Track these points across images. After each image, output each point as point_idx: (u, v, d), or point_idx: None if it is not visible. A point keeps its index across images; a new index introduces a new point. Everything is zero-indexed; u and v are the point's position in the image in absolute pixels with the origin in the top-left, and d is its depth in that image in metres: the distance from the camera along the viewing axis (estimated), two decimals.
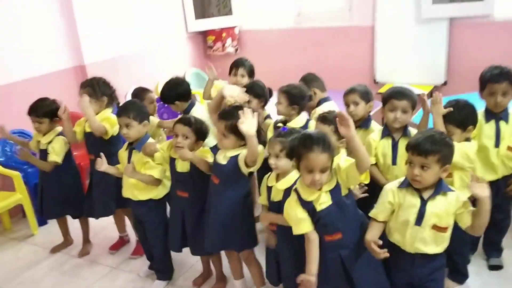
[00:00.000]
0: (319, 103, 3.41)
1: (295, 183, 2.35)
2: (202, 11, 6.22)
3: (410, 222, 2.16)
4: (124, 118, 2.93)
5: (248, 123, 2.42)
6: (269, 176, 2.57)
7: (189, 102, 3.48)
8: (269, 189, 2.53)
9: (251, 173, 2.68)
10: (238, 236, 2.70)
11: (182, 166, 2.85)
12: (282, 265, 2.60)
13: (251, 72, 3.90)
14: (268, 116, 3.44)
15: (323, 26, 5.77)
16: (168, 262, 3.25)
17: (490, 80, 2.82)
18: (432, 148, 2.06)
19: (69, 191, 3.55)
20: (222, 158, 2.65)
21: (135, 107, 2.99)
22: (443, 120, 2.61)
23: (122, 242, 3.79)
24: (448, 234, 2.17)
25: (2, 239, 4.08)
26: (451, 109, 2.61)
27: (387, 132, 2.81)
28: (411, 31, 5.20)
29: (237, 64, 3.85)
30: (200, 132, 2.81)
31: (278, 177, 2.48)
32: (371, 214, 2.27)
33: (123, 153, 3.08)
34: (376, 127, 2.99)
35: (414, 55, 5.24)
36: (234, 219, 2.65)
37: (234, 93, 3.01)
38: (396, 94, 2.73)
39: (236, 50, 6.26)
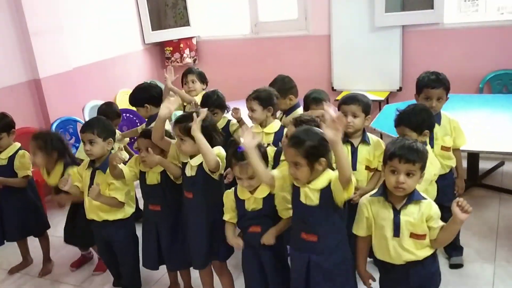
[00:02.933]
0: (292, 109, 3.44)
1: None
2: (158, 22, 6.20)
3: (388, 236, 2.18)
4: (88, 134, 2.87)
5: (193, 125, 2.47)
6: (235, 190, 2.53)
7: (158, 109, 3.46)
8: (240, 202, 2.50)
9: (221, 176, 2.67)
10: (222, 245, 2.67)
11: (151, 179, 2.82)
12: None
13: (201, 77, 3.98)
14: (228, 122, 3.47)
15: (280, 36, 5.86)
16: (137, 278, 3.19)
17: (426, 85, 2.96)
18: (418, 156, 2.10)
19: (31, 210, 3.45)
20: (190, 171, 2.63)
21: (100, 123, 2.93)
22: (399, 122, 2.68)
23: (83, 259, 3.68)
24: (427, 240, 2.18)
25: None
26: None
27: (346, 138, 2.85)
28: (366, 39, 5.34)
29: (185, 73, 3.99)
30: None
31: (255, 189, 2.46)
32: (353, 230, 2.30)
33: (83, 172, 3.00)
34: (372, 139, 2.89)
35: (370, 62, 5.38)
36: (217, 229, 2.62)
37: (169, 107, 2.77)
38: (346, 100, 2.80)
39: (195, 60, 6.25)
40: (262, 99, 3.06)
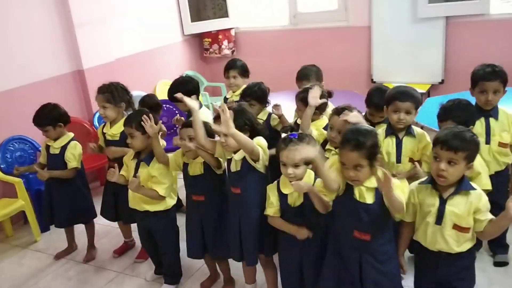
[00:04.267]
0: None
1: None
2: (198, 14, 6.24)
3: (430, 221, 2.17)
4: (127, 128, 2.95)
5: (224, 124, 2.42)
6: (278, 185, 2.51)
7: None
8: (283, 197, 2.48)
9: (266, 169, 2.64)
10: (271, 240, 2.67)
11: (195, 169, 2.85)
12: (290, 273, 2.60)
13: (243, 72, 3.91)
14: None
15: (319, 27, 5.81)
16: (178, 267, 3.25)
17: (482, 78, 2.86)
18: (462, 145, 2.06)
19: (80, 199, 3.54)
20: (234, 166, 2.64)
21: (138, 117, 2.94)
22: (445, 117, 2.63)
23: (126, 246, 3.78)
24: (470, 234, 2.16)
25: (4, 246, 4.05)
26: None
27: (390, 130, 2.81)
28: (407, 30, 5.24)
29: (228, 67, 3.89)
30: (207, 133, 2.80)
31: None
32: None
33: (129, 161, 3.06)
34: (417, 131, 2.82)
35: (411, 54, 5.29)
36: (265, 224, 2.60)
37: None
38: (400, 95, 2.69)
39: (233, 52, 6.27)
40: (305, 99, 2.95)
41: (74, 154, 3.43)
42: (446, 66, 5.18)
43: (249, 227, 2.66)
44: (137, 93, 5.13)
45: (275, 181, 2.55)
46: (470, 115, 2.65)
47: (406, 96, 2.69)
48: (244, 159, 2.59)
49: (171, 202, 3.07)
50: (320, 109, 2.98)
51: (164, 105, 4.99)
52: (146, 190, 2.94)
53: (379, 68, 5.52)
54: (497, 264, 3.09)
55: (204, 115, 3.43)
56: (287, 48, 6.04)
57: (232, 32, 6.24)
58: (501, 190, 2.88)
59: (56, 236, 3.98)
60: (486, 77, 2.85)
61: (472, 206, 2.10)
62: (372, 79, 5.56)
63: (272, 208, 2.51)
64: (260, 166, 2.60)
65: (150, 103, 3.76)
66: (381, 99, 2.80)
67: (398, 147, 2.76)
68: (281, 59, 6.03)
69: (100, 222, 3.79)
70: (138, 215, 3.10)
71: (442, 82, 5.21)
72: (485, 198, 2.13)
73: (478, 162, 2.36)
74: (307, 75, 3.55)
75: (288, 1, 5.91)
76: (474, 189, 2.13)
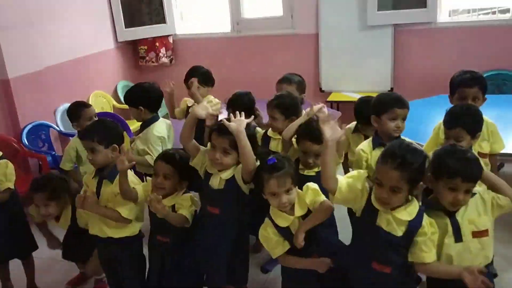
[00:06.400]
0: None
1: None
2: (132, 19, 5.76)
3: (450, 243, 1.96)
4: (87, 141, 2.50)
5: (237, 121, 2.20)
6: (273, 224, 2.16)
7: (153, 115, 3.17)
8: (285, 231, 2.15)
9: (251, 191, 2.34)
10: (242, 267, 2.42)
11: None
12: None
13: (205, 79, 3.62)
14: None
15: (264, 34, 5.58)
16: None
17: (461, 84, 2.77)
18: (478, 172, 1.92)
19: (16, 228, 2.97)
20: (217, 183, 2.31)
21: (101, 128, 2.55)
22: (455, 124, 2.46)
23: (82, 277, 3.25)
24: (490, 237, 2.02)
25: None
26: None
27: (379, 141, 2.62)
28: (356, 38, 5.17)
29: (188, 75, 3.60)
30: (185, 172, 2.45)
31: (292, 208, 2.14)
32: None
33: (90, 181, 2.60)
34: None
35: (360, 62, 5.22)
36: (240, 249, 2.35)
37: (207, 109, 2.46)
38: (397, 102, 2.51)
39: (171, 60, 5.87)
40: (286, 108, 2.75)
41: (5, 174, 2.85)
42: (394, 74, 5.16)
43: (220, 249, 2.37)
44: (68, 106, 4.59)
45: (265, 221, 2.18)
46: (480, 121, 2.50)
47: (404, 103, 2.52)
48: (231, 179, 2.28)
49: (138, 227, 2.64)
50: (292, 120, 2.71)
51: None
52: (106, 210, 2.49)
53: (327, 76, 5.39)
54: None
55: (159, 130, 3.17)
56: (230, 56, 5.75)
57: (170, 39, 5.83)
58: None
59: None
60: (465, 83, 2.75)
61: (479, 206, 1.99)
62: (320, 88, 5.42)
63: (280, 246, 2.15)
64: (246, 187, 2.30)
65: (79, 114, 3.29)
66: (389, 99, 2.58)
67: None
68: (223, 67, 5.68)
69: (42, 255, 3.24)
70: (99, 242, 2.64)
71: (391, 90, 5.17)
72: (488, 194, 2.03)
73: None
74: (290, 80, 3.31)
75: (231, 7, 5.62)
76: (474, 193, 1.99)
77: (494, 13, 4.92)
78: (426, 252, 1.90)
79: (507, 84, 4.80)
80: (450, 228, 1.97)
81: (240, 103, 2.98)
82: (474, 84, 2.74)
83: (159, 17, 5.77)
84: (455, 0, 5.03)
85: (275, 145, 2.78)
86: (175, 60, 5.90)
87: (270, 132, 2.85)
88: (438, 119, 2.77)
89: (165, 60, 5.81)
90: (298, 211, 2.11)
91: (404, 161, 1.82)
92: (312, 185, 2.13)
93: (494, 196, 2.02)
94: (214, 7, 5.88)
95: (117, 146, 2.53)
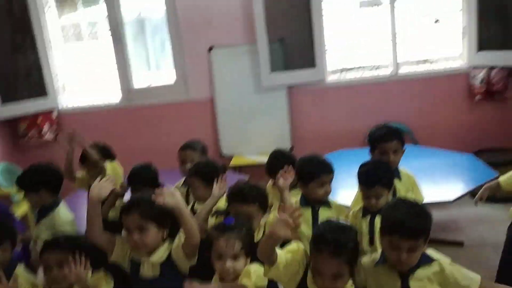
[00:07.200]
0: None
1: None
2: (8, 94, 5.20)
3: None
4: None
5: (169, 195, 1.95)
6: None
7: (54, 199, 2.83)
8: None
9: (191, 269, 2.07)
10: None
11: None
12: None
13: (105, 153, 3.44)
14: None
15: (157, 103, 5.38)
16: None
17: (380, 140, 2.83)
18: (421, 227, 1.83)
19: None
20: (150, 270, 2.02)
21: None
22: (372, 183, 2.42)
23: None
24: None
25: None
26: None
27: (305, 202, 2.57)
28: (252, 100, 5.19)
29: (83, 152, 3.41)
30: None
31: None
32: None
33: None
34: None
35: (258, 123, 5.22)
36: None
37: (104, 187, 2.21)
38: (324, 169, 2.53)
39: (57, 135, 5.38)
40: (205, 175, 2.63)
41: None
42: (293, 133, 5.23)
43: None
44: None
45: None
46: (392, 173, 2.54)
47: (329, 168, 2.56)
48: (166, 262, 2.00)
49: None
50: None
51: None
52: None
53: (227, 140, 5.30)
54: None
55: (62, 216, 2.82)
56: (121, 127, 5.43)
57: (55, 113, 5.38)
58: None
59: None
60: (384, 138, 2.81)
61: (436, 276, 1.87)
62: (220, 153, 5.31)
63: None
64: (187, 262, 2.04)
65: None
66: (314, 167, 2.56)
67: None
68: (115, 140, 5.30)
69: None
70: None
71: (291, 148, 5.22)
72: (450, 268, 1.90)
73: None
74: (193, 146, 3.23)
75: (120, 77, 5.37)
76: (434, 260, 1.90)
77: (377, 68, 5.28)
78: None
79: None
80: None
81: (143, 176, 2.83)
82: (393, 138, 2.80)
83: (40, 89, 5.30)
84: (340, 59, 5.33)
85: None
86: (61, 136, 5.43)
87: (196, 205, 2.66)
88: (345, 173, 2.86)
89: (49, 136, 5.32)
90: (246, 281, 1.88)
91: (339, 244, 1.71)
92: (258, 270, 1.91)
93: (458, 276, 1.88)
94: (101, 78, 5.61)
95: (8, 247, 2.16)
